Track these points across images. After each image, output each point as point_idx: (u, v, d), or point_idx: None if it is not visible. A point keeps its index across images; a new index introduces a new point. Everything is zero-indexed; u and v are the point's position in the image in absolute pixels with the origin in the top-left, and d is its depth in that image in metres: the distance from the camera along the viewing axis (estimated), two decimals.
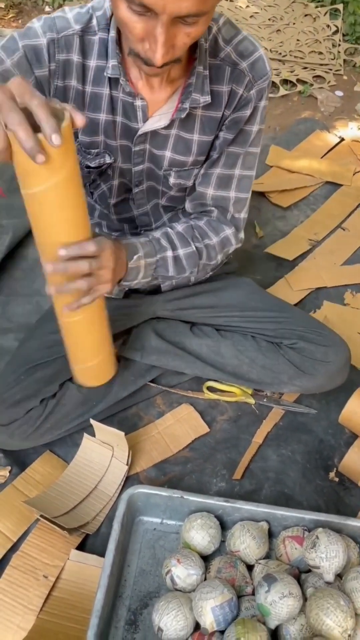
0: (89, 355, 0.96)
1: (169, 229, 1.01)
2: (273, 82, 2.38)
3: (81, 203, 0.74)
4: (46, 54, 0.86)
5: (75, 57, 0.88)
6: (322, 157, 1.99)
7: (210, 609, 0.83)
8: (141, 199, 1.07)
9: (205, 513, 0.97)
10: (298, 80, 2.41)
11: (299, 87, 2.37)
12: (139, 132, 0.93)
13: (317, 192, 1.86)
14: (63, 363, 1.11)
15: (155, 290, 1.21)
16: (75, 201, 0.72)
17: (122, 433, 1.03)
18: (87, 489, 1.03)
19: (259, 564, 0.92)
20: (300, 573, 0.93)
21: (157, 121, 0.92)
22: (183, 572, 0.90)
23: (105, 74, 0.88)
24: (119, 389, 1.16)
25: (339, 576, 0.90)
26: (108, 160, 0.98)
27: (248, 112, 0.94)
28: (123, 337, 1.23)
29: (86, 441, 1.09)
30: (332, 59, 2.56)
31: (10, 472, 1.07)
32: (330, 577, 0.88)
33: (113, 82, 0.90)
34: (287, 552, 0.94)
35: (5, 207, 1.62)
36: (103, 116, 0.93)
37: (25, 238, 1.59)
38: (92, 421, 1.07)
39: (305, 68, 2.50)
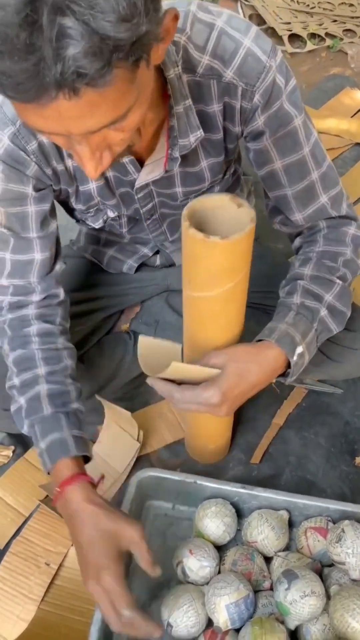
0: (212, 439, 0.98)
1: (300, 281, 0.82)
2: (299, 36, 2.22)
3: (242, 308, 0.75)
4: (20, 151, 0.74)
5: (43, 137, 0.74)
6: (352, 117, 1.86)
7: (224, 607, 0.77)
8: (155, 225, 0.96)
9: (220, 500, 0.89)
10: (327, 34, 2.25)
11: (328, 42, 2.21)
12: (137, 185, 0.80)
13: (346, 154, 1.73)
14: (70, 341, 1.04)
15: (170, 264, 1.12)
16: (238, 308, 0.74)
17: (129, 413, 0.96)
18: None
19: (278, 556, 0.85)
20: (323, 567, 0.86)
21: (150, 171, 0.78)
22: (195, 564, 0.84)
23: None
24: (130, 367, 1.09)
25: None
26: (111, 214, 0.88)
27: (259, 121, 0.75)
28: (134, 311, 1.15)
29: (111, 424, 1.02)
30: None
31: (13, 451, 1.01)
32: (357, 574, 0.80)
33: None
34: (308, 545, 0.86)
35: None
36: (93, 185, 0.82)
37: None
38: (97, 397, 0.99)
39: (335, 21, 2.33)
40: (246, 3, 2.33)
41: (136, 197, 0.85)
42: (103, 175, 0.62)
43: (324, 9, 2.37)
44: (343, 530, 0.81)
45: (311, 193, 0.82)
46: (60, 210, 0.89)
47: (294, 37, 2.24)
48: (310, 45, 2.18)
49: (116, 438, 1.00)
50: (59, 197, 0.86)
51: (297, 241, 0.90)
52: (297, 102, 0.76)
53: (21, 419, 0.80)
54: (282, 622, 0.78)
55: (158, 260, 1.10)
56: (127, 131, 0.57)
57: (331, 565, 0.86)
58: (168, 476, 0.90)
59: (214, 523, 0.87)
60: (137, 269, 1.11)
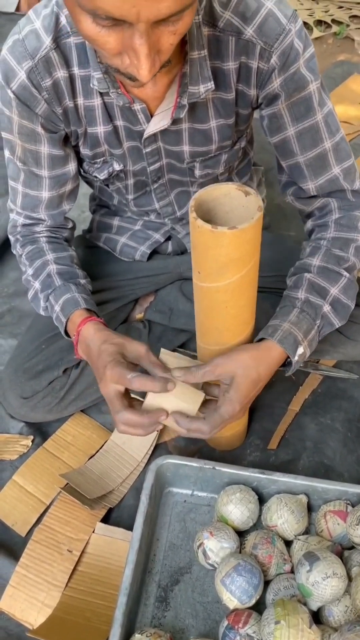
0: (229, 427, 0.99)
1: (306, 274, 0.83)
2: (305, 23, 2.20)
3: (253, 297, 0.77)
4: (32, 88, 0.76)
5: (60, 73, 0.76)
6: None
7: (220, 583, 0.79)
8: (162, 192, 0.96)
9: (242, 486, 0.90)
10: (333, 20, 2.24)
11: (334, 28, 2.20)
12: (145, 135, 0.81)
13: (355, 141, 1.72)
14: None
15: (182, 251, 1.12)
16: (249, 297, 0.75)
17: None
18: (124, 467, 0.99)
19: (299, 540, 0.86)
20: (343, 550, 0.86)
21: (159, 121, 0.79)
22: (216, 545, 0.84)
23: (91, 85, 0.76)
24: None
25: None
26: (117, 167, 0.89)
27: (275, 83, 0.76)
28: (149, 300, 1.15)
29: None
30: None
31: (32, 441, 1.02)
32: None
33: (104, 92, 0.79)
34: (328, 528, 0.87)
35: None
36: (101, 129, 0.83)
37: None
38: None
39: (341, 7, 2.32)
40: None
41: (144, 152, 0.85)
42: (153, 76, 0.61)
43: None
44: None
45: (323, 162, 0.82)
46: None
47: None
48: (316, 33, 2.17)
49: None
50: (71, 143, 0.88)
51: (309, 224, 0.91)
52: (314, 68, 0.78)
53: (38, 300, 0.92)
54: (305, 604, 0.78)
55: (170, 247, 1.10)
56: (178, 35, 0.59)
57: (352, 547, 0.86)
58: (186, 463, 0.91)
59: (239, 509, 0.87)
60: (150, 257, 1.12)
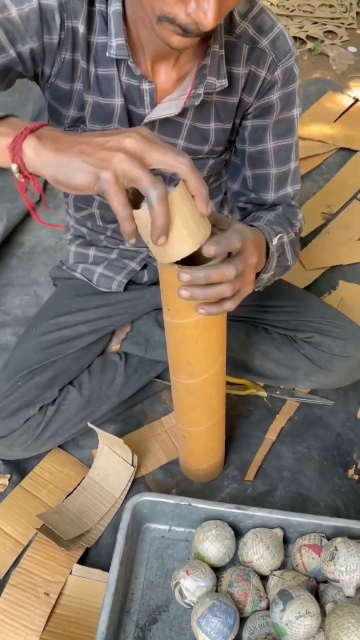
0: (205, 458, 0.99)
1: (264, 216, 0.90)
2: None
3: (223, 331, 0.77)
4: (58, 18, 0.73)
5: (81, 28, 0.75)
6: (335, 121, 1.87)
7: (196, 624, 0.79)
8: None
9: (219, 522, 0.91)
10: (307, 36, 2.26)
11: (309, 45, 2.22)
12: (146, 120, 0.81)
13: (330, 159, 1.74)
14: (62, 365, 1.05)
15: (158, 280, 1.13)
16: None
17: (121, 440, 0.97)
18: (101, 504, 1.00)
19: (274, 576, 0.87)
20: (319, 584, 0.87)
21: (166, 108, 0.81)
22: (192, 584, 0.85)
23: (107, 54, 0.76)
24: (122, 389, 1.09)
25: None
26: None
27: (274, 96, 0.84)
28: (125, 331, 1.16)
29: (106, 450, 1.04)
30: (344, 12, 2.39)
31: (9, 479, 1.02)
32: (350, 591, 0.81)
33: (118, 63, 0.78)
34: (303, 562, 0.88)
35: None
36: (118, 101, 0.81)
37: (20, 224, 1.51)
38: (89, 425, 1.00)
39: (315, 23, 2.34)
40: None
41: None
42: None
43: (304, 11, 2.37)
44: (336, 548, 0.83)
45: (285, 179, 0.92)
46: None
47: None
48: None
49: (110, 463, 1.01)
50: (70, 117, 0.83)
51: (248, 207, 0.98)
52: (300, 96, 0.88)
53: None
54: None
55: (146, 276, 1.11)
56: (235, 2, 0.63)
57: (327, 581, 0.87)
58: (163, 500, 0.91)
59: (215, 546, 0.88)
60: (126, 288, 1.12)
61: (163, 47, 0.70)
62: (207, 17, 0.61)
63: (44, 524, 0.90)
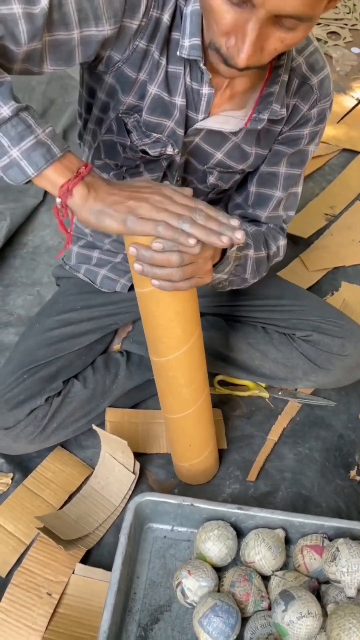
0: (196, 452, 0.98)
1: (245, 227, 0.93)
2: None
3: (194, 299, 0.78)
4: (144, 5, 0.71)
5: (167, 21, 0.73)
6: (337, 122, 1.87)
7: (197, 623, 0.80)
8: None
9: (221, 522, 0.91)
10: None
11: None
12: (199, 125, 0.81)
13: (333, 161, 1.74)
14: (66, 360, 1.05)
15: None
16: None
17: (125, 442, 0.97)
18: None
19: (276, 576, 0.87)
20: (320, 584, 0.88)
21: (223, 122, 0.82)
22: (194, 584, 0.85)
23: (178, 53, 0.75)
24: (125, 381, 1.10)
25: None
26: (170, 151, 0.84)
27: (305, 131, 0.89)
28: (126, 331, 1.16)
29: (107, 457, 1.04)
30: (347, 13, 2.39)
31: (12, 478, 1.02)
32: (352, 592, 0.82)
33: (185, 63, 0.77)
34: (305, 563, 0.88)
35: (0, 190, 1.54)
36: (180, 101, 0.79)
37: (24, 224, 1.51)
38: (94, 427, 1.01)
39: (319, 24, 2.34)
40: None
41: (183, 141, 0.83)
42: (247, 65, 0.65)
43: None
44: (337, 549, 0.83)
45: (284, 203, 0.98)
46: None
47: None
48: None
49: (111, 471, 1.01)
50: (125, 106, 0.81)
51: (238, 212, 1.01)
52: (322, 137, 0.94)
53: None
54: None
55: None
56: (284, 45, 0.65)
57: (328, 582, 0.87)
58: (165, 500, 0.91)
59: (217, 546, 0.88)
60: (130, 288, 1.12)
61: None
62: (240, 56, 0.63)
63: (44, 525, 0.91)
